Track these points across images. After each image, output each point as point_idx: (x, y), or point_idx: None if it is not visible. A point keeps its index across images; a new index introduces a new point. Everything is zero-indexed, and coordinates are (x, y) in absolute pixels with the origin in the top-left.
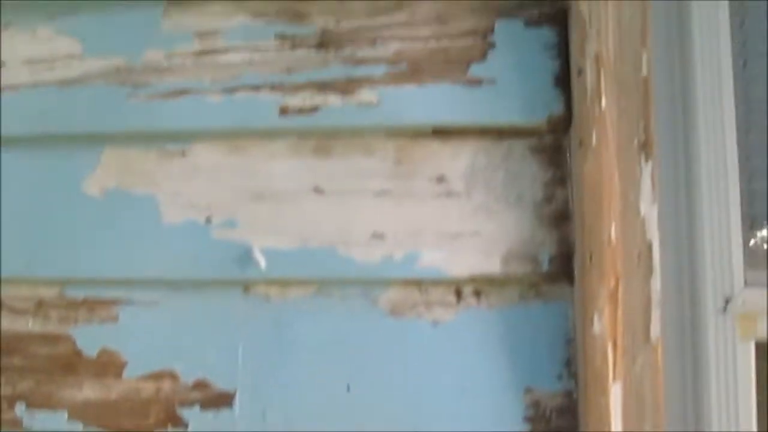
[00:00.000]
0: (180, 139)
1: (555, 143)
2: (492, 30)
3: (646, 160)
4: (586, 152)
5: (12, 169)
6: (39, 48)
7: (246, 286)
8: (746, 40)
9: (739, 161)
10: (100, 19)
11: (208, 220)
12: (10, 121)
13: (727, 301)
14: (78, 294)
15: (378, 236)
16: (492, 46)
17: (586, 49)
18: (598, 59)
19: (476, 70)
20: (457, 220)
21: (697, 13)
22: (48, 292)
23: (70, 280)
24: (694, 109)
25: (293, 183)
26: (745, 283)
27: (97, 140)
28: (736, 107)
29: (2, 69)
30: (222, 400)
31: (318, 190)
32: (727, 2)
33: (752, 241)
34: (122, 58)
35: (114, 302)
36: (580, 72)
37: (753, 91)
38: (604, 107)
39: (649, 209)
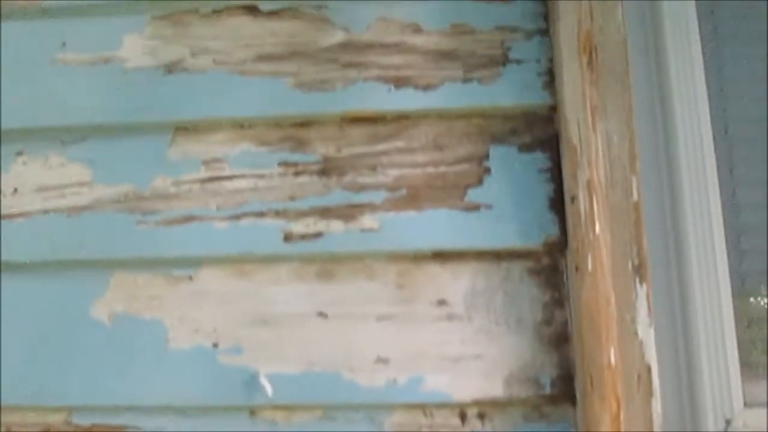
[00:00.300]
0: (187, 264)
1: (552, 265)
2: (487, 156)
3: (641, 284)
4: (582, 278)
5: (22, 295)
6: (51, 175)
7: (252, 411)
8: (732, 147)
9: (731, 278)
10: (111, 147)
11: (215, 346)
12: (21, 248)
13: (727, 423)
14: (85, 420)
15: (382, 361)
16: (488, 171)
17: (578, 177)
18: (590, 186)
19: (473, 195)
20: (459, 344)
21: (682, 134)
22: (55, 419)
23: (77, 406)
24: (684, 230)
25: (297, 307)
26: (745, 403)
27: (105, 266)
28: (725, 224)
29: (15, 196)
30: None
31: (322, 315)
32: (709, 122)
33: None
34: (131, 185)
35: (121, 429)
36: (573, 199)
37: (740, 196)
38: (598, 232)
39: (646, 332)
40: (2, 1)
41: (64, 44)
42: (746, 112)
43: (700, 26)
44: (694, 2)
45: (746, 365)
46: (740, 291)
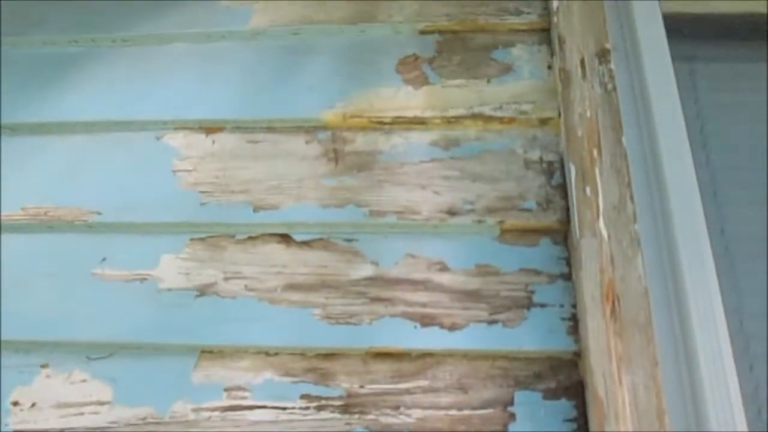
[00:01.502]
0: None
1: None
2: (512, 401)
3: None
4: None
5: None
6: (72, 391)
7: None
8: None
9: None
10: (135, 366)
11: None
12: None
13: None
14: None
15: None
16: (512, 417)
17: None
18: None
19: None
20: None
21: (708, 387)
22: None
23: None
24: None
25: None
26: None
27: None
28: None
29: (32, 411)
30: None
31: None
32: (735, 373)
33: None
34: (151, 408)
35: None
36: None
37: None
38: None
39: None
40: (51, 215)
41: (104, 259)
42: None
43: (719, 275)
44: (709, 246)
45: None
46: None
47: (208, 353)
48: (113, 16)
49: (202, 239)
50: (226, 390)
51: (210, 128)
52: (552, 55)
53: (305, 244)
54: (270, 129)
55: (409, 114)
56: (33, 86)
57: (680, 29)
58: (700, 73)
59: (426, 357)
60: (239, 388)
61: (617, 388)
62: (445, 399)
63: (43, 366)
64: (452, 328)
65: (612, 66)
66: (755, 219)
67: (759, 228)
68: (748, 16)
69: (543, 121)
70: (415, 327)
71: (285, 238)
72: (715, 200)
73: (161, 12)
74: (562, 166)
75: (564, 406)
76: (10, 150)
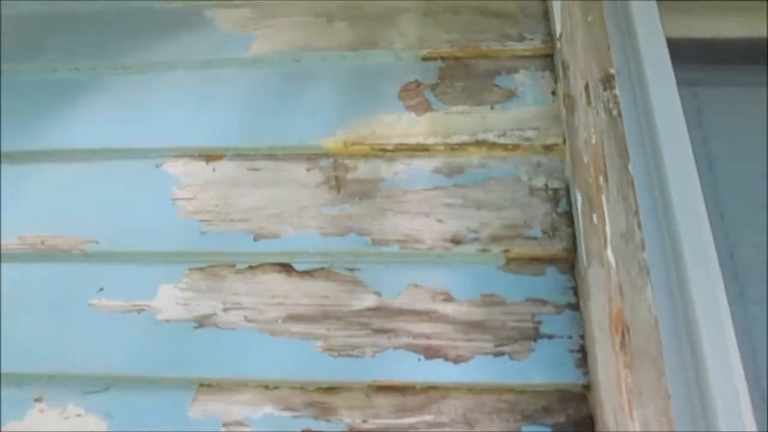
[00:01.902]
0: None
1: None
2: None
3: None
4: None
5: None
6: (65, 426)
7: None
8: None
9: None
10: (131, 400)
11: None
12: None
13: None
14: None
15: None
16: None
17: None
18: None
19: None
20: None
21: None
22: None
23: None
24: None
25: None
26: None
27: None
28: None
29: None
30: None
31: None
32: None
33: None
34: None
35: None
36: None
37: None
38: None
39: None
40: (48, 243)
41: (101, 290)
42: None
43: (729, 302)
44: (719, 272)
45: None
46: None
47: (207, 386)
48: (114, 43)
49: (201, 269)
50: (224, 425)
51: (210, 156)
52: (556, 80)
53: (306, 273)
54: (271, 156)
55: (412, 141)
56: (33, 113)
57: (684, 54)
58: (705, 98)
59: (430, 390)
60: (238, 423)
61: (628, 422)
62: None
63: (37, 400)
64: (457, 360)
65: (617, 91)
66: (764, 243)
67: None
68: (753, 40)
69: (547, 148)
70: (419, 359)
71: (286, 268)
72: (723, 225)
73: (162, 39)
74: (568, 193)
75: None
76: (8, 178)
